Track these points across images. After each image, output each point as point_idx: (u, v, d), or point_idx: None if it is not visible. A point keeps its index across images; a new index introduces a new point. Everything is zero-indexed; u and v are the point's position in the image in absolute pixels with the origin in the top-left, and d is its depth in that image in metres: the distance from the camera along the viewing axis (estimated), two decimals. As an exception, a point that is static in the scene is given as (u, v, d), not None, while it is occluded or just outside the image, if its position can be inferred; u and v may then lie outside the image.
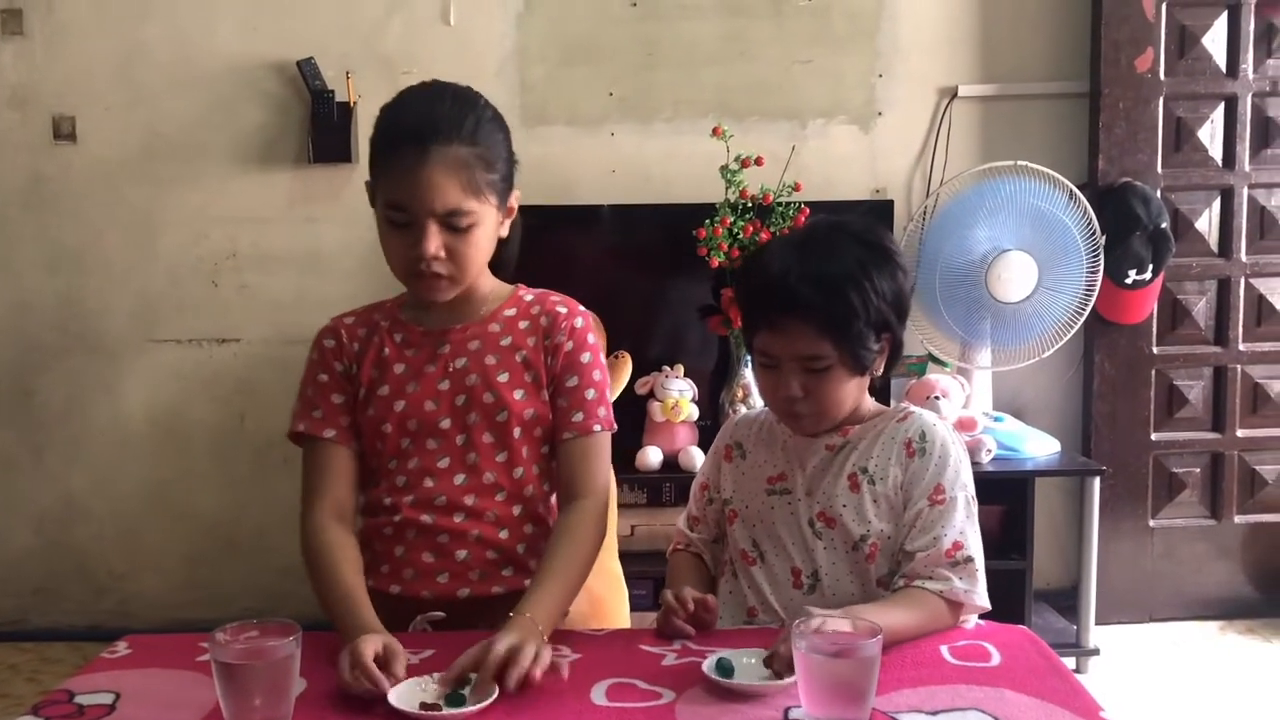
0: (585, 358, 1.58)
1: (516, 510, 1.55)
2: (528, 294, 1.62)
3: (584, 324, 1.59)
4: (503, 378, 1.54)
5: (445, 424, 1.53)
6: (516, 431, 1.54)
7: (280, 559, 3.17)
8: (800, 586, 1.47)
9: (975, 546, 1.41)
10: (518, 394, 1.54)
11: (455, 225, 1.44)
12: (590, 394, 1.57)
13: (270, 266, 3.19)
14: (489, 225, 1.48)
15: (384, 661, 1.25)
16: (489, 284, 1.61)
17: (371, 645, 1.26)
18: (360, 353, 1.58)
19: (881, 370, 1.47)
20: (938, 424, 1.48)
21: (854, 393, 1.46)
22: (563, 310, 1.59)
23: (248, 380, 3.22)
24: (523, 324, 1.57)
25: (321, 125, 3.07)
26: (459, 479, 1.52)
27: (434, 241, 1.43)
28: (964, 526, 1.41)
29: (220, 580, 3.25)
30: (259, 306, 3.20)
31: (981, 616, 1.44)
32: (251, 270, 3.19)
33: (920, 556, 1.39)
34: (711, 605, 1.39)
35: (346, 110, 3.08)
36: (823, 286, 1.38)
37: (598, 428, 1.56)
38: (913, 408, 1.52)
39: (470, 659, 1.24)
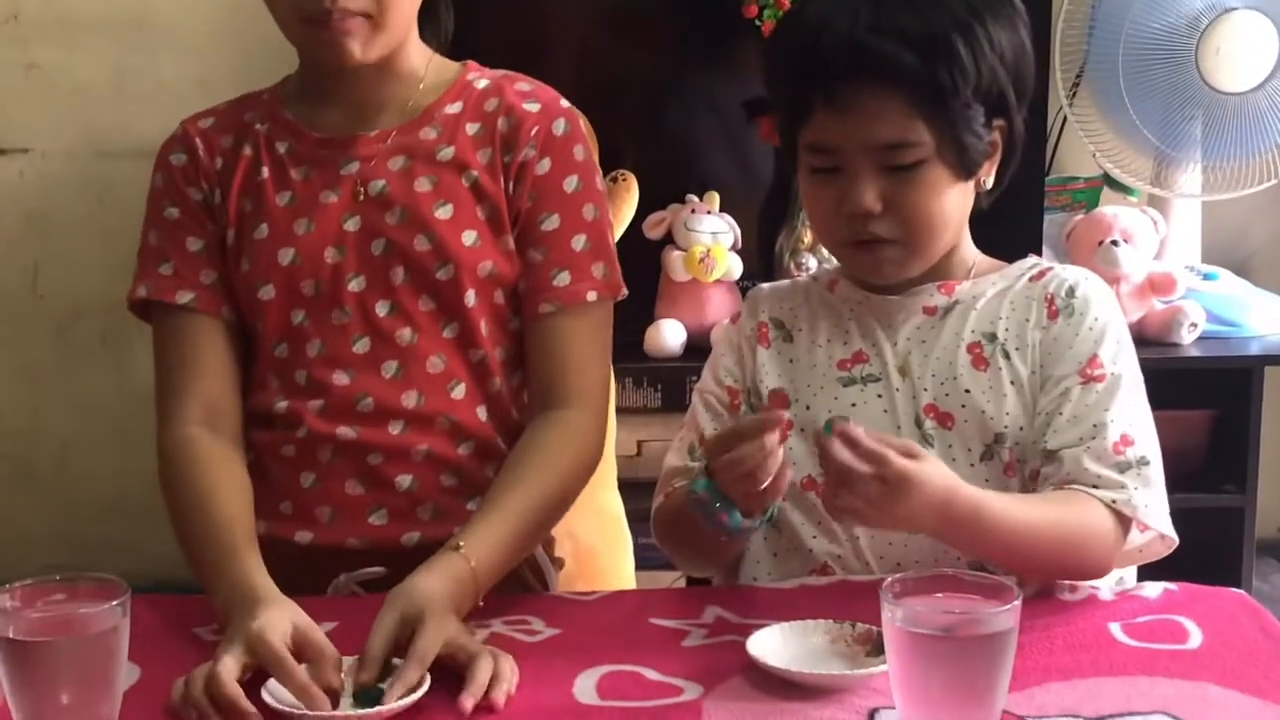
0: (571, 184, 1.58)
1: (481, 412, 1.57)
2: (481, 78, 1.61)
3: (568, 129, 1.59)
4: (443, 212, 1.55)
5: (356, 284, 1.54)
6: (470, 296, 1.55)
7: (99, 489, 3.20)
8: None
9: (1150, 443, 1.45)
10: (468, 237, 1.55)
11: None
12: (580, 242, 1.57)
13: (72, 36, 3.15)
14: None
15: (299, 656, 1.25)
16: (419, 55, 1.60)
17: (276, 631, 1.25)
18: (225, 172, 1.59)
19: (992, 183, 1.50)
20: (1091, 278, 1.53)
21: (958, 212, 1.49)
22: (533, 108, 1.58)
23: (41, 214, 3.21)
24: (471, 127, 1.57)
25: None
26: (389, 369, 1.54)
27: None
28: (1134, 414, 1.45)
29: (9, 521, 3.30)
30: (56, 99, 3.17)
31: (1167, 565, 1.47)
32: (43, 42, 3.16)
33: (1074, 453, 1.42)
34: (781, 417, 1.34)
35: None
36: (912, 33, 1.40)
37: (593, 294, 1.57)
38: (1051, 263, 1.55)
39: (384, 639, 1.26)
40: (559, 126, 1.58)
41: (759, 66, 2.89)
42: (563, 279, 1.56)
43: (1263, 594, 2.97)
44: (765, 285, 1.66)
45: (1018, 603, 1.14)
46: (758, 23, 2.75)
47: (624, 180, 2.66)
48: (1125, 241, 2.86)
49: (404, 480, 1.55)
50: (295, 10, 1.50)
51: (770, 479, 1.33)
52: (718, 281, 2.88)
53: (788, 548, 1.55)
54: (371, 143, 1.56)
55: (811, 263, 2.84)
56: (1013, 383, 1.48)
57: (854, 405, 1.52)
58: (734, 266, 2.88)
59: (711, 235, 2.87)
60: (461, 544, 1.38)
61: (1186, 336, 2.85)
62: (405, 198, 1.54)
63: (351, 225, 1.55)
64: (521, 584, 1.62)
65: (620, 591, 1.64)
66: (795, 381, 1.56)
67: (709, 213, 2.90)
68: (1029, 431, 1.47)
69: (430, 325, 1.54)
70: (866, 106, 1.43)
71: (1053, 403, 1.45)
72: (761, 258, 2.97)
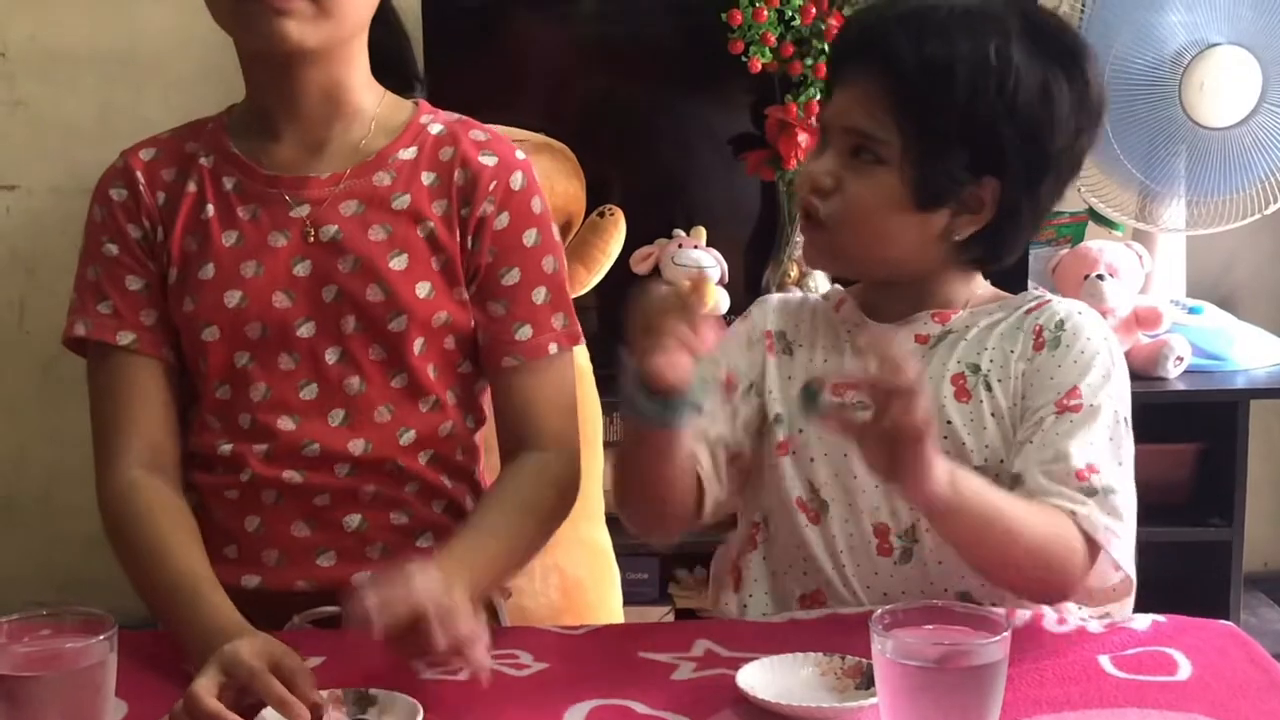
0: (530, 237, 1.57)
1: (426, 457, 1.57)
2: (434, 122, 1.59)
3: (525, 182, 1.57)
4: (397, 263, 1.53)
5: (306, 330, 1.52)
6: (418, 344, 1.54)
7: (84, 525, 3.14)
8: (889, 553, 1.49)
9: (1120, 481, 1.42)
10: (421, 289, 1.54)
11: None
12: (540, 295, 1.56)
13: (59, 72, 3.16)
14: None
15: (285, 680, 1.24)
16: (371, 93, 1.58)
17: (250, 650, 1.24)
18: (168, 209, 1.56)
19: (967, 234, 1.47)
20: (1086, 313, 1.51)
21: (903, 238, 1.47)
22: (489, 161, 1.56)
23: (28, 251, 3.20)
24: (427, 177, 1.55)
25: None
26: (336, 417, 1.53)
27: None
28: (1105, 449, 1.42)
29: (-7, 559, 3.28)
30: (43, 136, 3.17)
31: (1155, 598, 1.48)
32: (29, 78, 3.16)
33: (1035, 473, 1.41)
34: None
35: None
36: (927, 44, 1.41)
37: (554, 347, 1.57)
38: (1051, 295, 1.54)
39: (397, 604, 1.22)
40: (516, 180, 1.57)
41: (745, 102, 2.93)
42: (524, 333, 1.56)
43: (1250, 627, 2.96)
44: (775, 295, 1.67)
45: (1007, 634, 1.14)
46: (744, 58, 2.77)
47: (611, 215, 2.66)
48: (1110, 276, 2.87)
49: (352, 520, 1.54)
50: None
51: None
52: (706, 314, 2.87)
53: (775, 581, 1.55)
54: (323, 185, 1.54)
55: (797, 295, 2.84)
56: (993, 414, 1.47)
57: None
58: (721, 300, 2.88)
59: (699, 269, 2.88)
60: (459, 557, 1.38)
61: (1172, 370, 2.85)
62: (359, 246, 1.52)
63: (301, 270, 1.52)
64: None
65: (609, 625, 1.64)
66: (790, 400, 1.55)
67: (696, 247, 2.90)
68: (1007, 463, 1.46)
69: (379, 375, 1.53)
70: (853, 88, 1.46)
71: (1027, 431, 1.45)
72: (748, 292, 2.96)
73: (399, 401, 1.55)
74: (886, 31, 1.44)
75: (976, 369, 1.49)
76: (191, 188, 1.56)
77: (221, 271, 1.53)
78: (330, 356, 1.53)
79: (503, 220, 1.56)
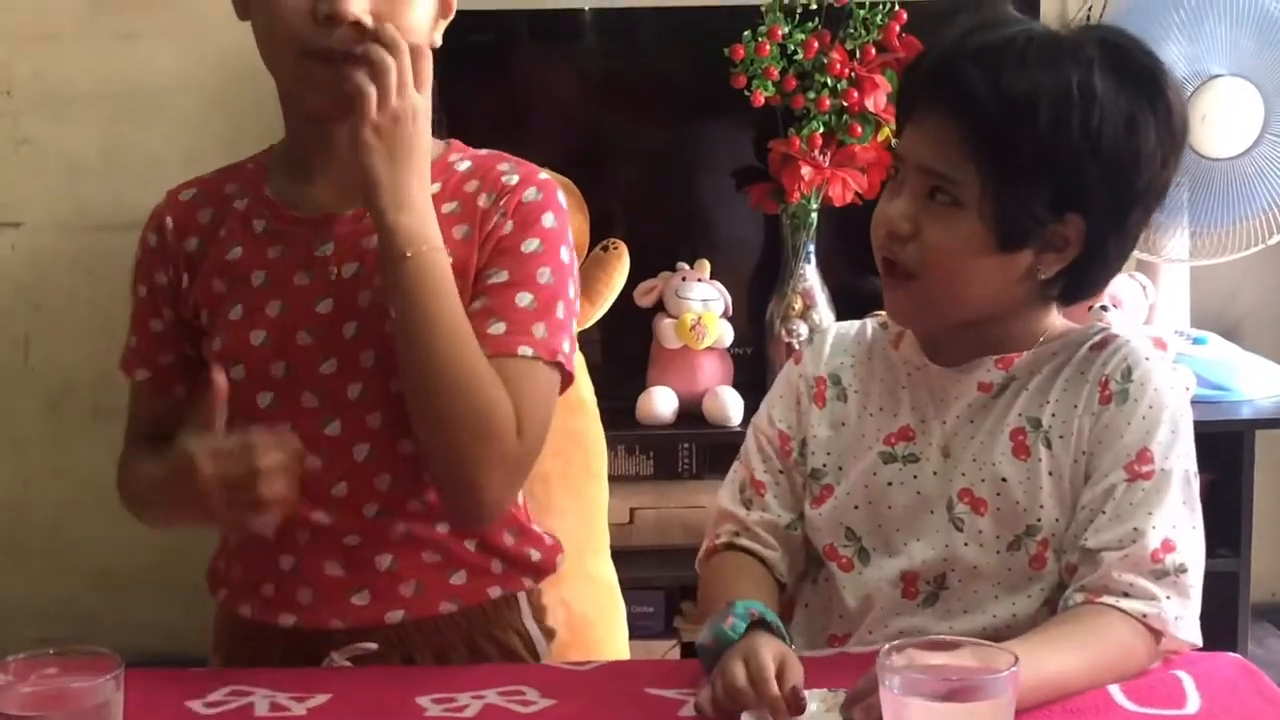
0: (530, 245, 1.52)
1: None
2: (463, 159, 1.59)
3: (540, 196, 1.55)
4: None
5: (327, 368, 1.52)
6: None
7: (90, 562, 3.19)
8: (914, 595, 1.47)
9: (1193, 549, 1.40)
10: None
11: None
12: (525, 299, 1.50)
13: (63, 110, 3.17)
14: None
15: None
16: None
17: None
18: (197, 254, 1.57)
19: (1053, 272, 1.41)
20: (1153, 357, 1.45)
21: (986, 282, 1.41)
22: (512, 179, 1.55)
23: (33, 287, 3.21)
24: (449, 206, 1.54)
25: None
26: (360, 452, 1.52)
27: None
28: (1179, 517, 1.40)
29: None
30: (47, 173, 3.18)
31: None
32: (34, 116, 3.17)
33: (1110, 558, 1.38)
34: (801, 693, 1.28)
35: None
36: (1004, 79, 1.35)
37: (526, 349, 1.48)
38: (1114, 328, 1.49)
39: None
40: (530, 194, 1.54)
41: (748, 135, 2.93)
42: (496, 329, 1.49)
43: (1258, 658, 2.96)
44: (834, 326, 1.61)
45: (1016, 668, 1.13)
46: (747, 93, 2.77)
47: (615, 248, 2.66)
48: (1115, 306, 2.86)
49: (384, 560, 1.53)
50: (296, 42, 1.44)
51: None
52: (709, 349, 2.88)
53: (808, 620, 1.55)
54: (347, 223, 1.53)
55: (803, 329, 2.85)
56: (1051, 473, 1.43)
57: (890, 484, 1.48)
58: (725, 334, 2.88)
59: (702, 302, 2.88)
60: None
61: (1177, 400, 2.84)
62: (375, 279, 1.51)
63: (323, 308, 1.52)
64: (512, 655, 1.60)
65: (616, 662, 1.63)
66: (840, 446, 1.53)
67: (700, 280, 2.91)
68: (1064, 522, 1.42)
69: (397, 407, 1.52)
70: (930, 127, 1.39)
71: (1097, 499, 1.40)
72: (752, 325, 2.98)
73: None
74: (961, 67, 1.37)
75: (1038, 424, 1.44)
76: (223, 232, 1.57)
77: (248, 312, 1.53)
78: (352, 392, 1.52)
79: (508, 227, 1.52)
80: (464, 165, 1.58)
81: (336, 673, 1.47)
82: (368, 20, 1.41)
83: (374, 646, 1.50)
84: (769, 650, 1.28)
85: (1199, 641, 1.40)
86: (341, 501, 1.52)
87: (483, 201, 1.54)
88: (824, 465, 1.53)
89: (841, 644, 1.50)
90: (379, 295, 1.50)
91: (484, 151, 1.61)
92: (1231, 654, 1.44)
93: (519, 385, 1.47)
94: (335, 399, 1.52)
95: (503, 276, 1.51)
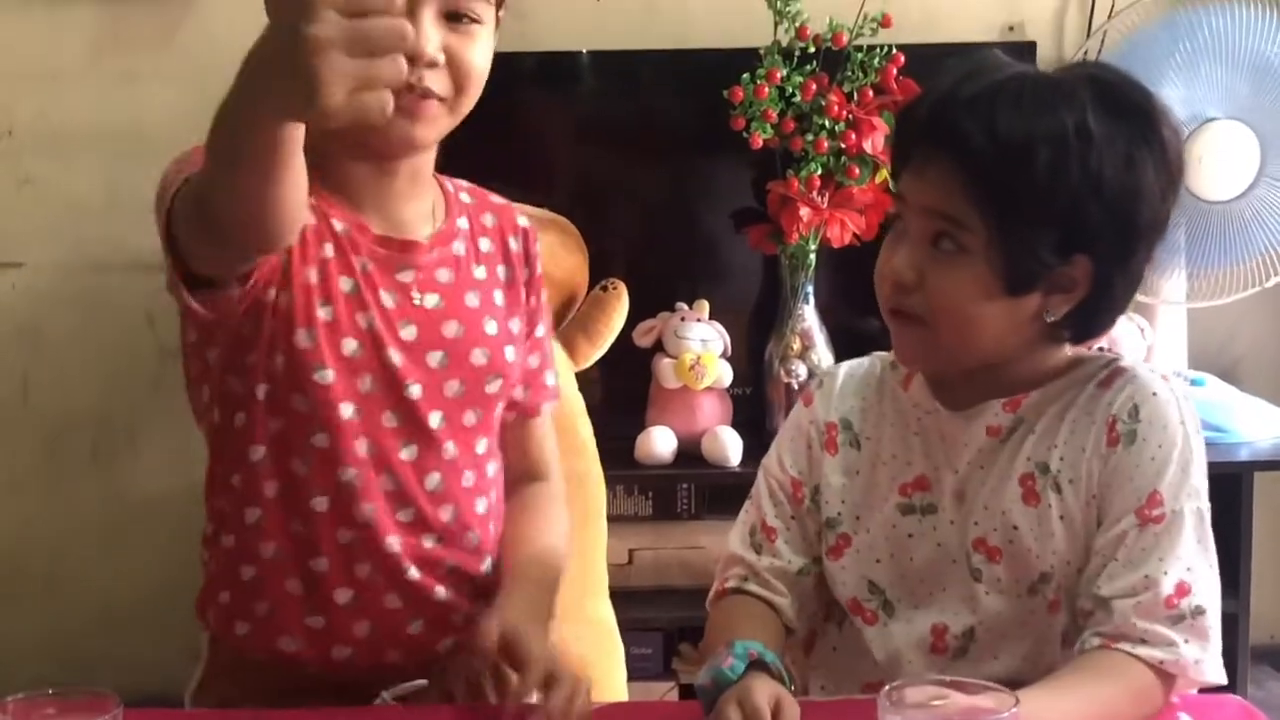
0: (542, 296, 1.65)
1: (493, 527, 1.58)
2: (461, 190, 1.62)
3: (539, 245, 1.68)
4: (491, 327, 1.55)
5: (414, 392, 1.50)
6: (498, 408, 1.58)
7: (88, 601, 3.18)
8: (943, 650, 1.47)
9: (1209, 589, 1.39)
10: (510, 351, 1.56)
11: (461, 12, 1.43)
12: (534, 360, 1.66)
13: (65, 150, 3.18)
14: (490, 39, 1.50)
15: None
16: (428, 168, 1.58)
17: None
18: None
19: (1061, 313, 1.41)
20: (1161, 391, 1.43)
21: (995, 325, 1.41)
22: (524, 223, 1.62)
23: (33, 327, 3.21)
24: (484, 243, 1.58)
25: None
26: (432, 481, 1.51)
27: (434, 34, 1.41)
28: (1194, 559, 1.39)
29: (-4, 635, 3.27)
30: (49, 213, 3.19)
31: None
32: (36, 156, 3.18)
33: (1124, 606, 1.36)
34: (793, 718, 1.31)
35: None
36: (1001, 124, 1.34)
37: (547, 406, 1.68)
38: (1123, 360, 1.48)
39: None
40: (537, 241, 1.66)
41: (747, 177, 2.94)
42: (521, 394, 1.63)
43: (1258, 700, 2.93)
44: (841, 369, 1.59)
45: (1017, 709, 1.13)
46: (745, 135, 2.78)
47: (614, 288, 2.67)
48: (1111, 348, 2.86)
49: (440, 591, 1.52)
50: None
51: None
52: (708, 389, 2.88)
53: (833, 674, 1.56)
54: (422, 250, 1.52)
55: (801, 370, 2.85)
56: (1062, 518, 1.42)
57: (910, 536, 1.48)
58: (724, 374, 2.89)
59: (701, 343, 2.88)
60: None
61: (1176, 442, 2.84)
62: (459, 312, 1.53)
63: (408, 334, 1.49)
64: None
65: (614, 704, 1.62)
66: (855, 495, 1.52)
67: (699, 320, 2.91)
68: (1076, 566, 1.42)
69: (468, 439, 1.53)
70: (931, 173, 1.38)
71: (1109, 545, 1.39)
72: (751, 365, 2.98)
73: (478, 469, 1.56)
74: (956, 116, 1.36)
75: (1046, 469, 1.43)
76: (312, 218, 1.46)
77: (339, 316, 1.46)
78: (433, 421, 1.50)
79: (537, 283, 1.65)
80: (466, 198, 1.60)
81: (390, 710, 1.46)
82: (440, 58, 1.42)
83: (424, 683, 1.49)
84: (764, 692, 1.28)
85: (1223, 680, 1.38)
86: (408, 528, 1.50)
87: (514, 244, 1.61)
88: (839, 514, 1.52)
89: (875, 690, 1.49)
90: (464, 325, 1.53)
91: (463, 183, 1.63)
92: (1235, 696, 1.44)
93: (543, 437, 1.68)
94: (414, 424, 1.50)
95: (540, 334, 1.65)
